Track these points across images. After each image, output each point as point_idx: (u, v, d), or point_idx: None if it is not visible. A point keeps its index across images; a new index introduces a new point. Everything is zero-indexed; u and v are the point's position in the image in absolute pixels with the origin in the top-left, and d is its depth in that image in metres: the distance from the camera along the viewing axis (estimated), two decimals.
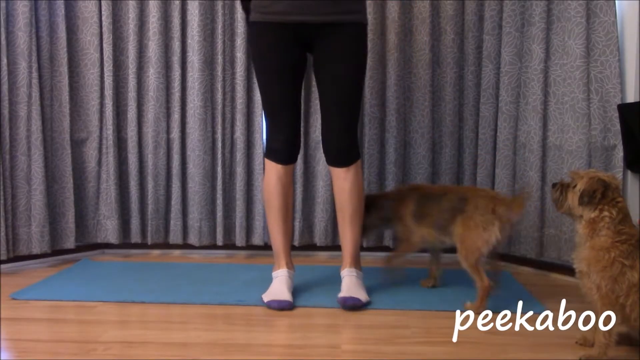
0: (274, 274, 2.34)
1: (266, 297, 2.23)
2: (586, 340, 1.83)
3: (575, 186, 1.74)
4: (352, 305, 2.18)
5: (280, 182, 2.30)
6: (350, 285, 2.26)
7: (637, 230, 1.70)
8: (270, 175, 2.32)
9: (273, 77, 2.26)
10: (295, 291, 2.32)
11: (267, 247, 3.00)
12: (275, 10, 2.19)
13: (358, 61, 2.26)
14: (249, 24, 2.31)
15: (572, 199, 1.74)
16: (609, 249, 1.66)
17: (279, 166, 2.30)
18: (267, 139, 2.35)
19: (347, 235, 2.33)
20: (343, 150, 2.27)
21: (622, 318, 1.69)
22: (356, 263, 2.36)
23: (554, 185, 1.81)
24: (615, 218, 1.68)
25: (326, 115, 2.28)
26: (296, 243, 2.94)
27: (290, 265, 2.35)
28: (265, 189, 2.36)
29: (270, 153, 2.32)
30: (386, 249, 2.97)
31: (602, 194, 1.69)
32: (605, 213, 1.69)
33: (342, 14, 2.19)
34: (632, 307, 1.66)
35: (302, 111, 2.45)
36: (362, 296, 2.22)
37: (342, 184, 2.29)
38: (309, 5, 2.16)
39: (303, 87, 2.42)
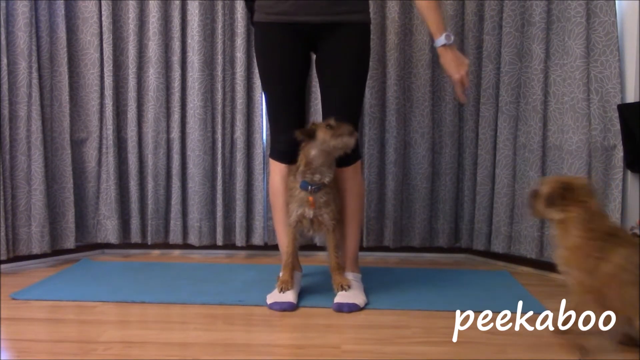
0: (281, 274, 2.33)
1: (269, 298, 2.22)
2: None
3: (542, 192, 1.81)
4: (348, 312, 2.14)
5: (284, 182, 2.29)
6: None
7: (609, 226, 1.75)
8: (275, 176, 2.32)
9: (276, 78, 2.26)
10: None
11: (267, 247, 3.01)
12: (279, 10, 2.18)
13: (361, 62, 2.25)
14: (253, 24, 2.31)
15: (540, 203, 1.81)
16: (581, 247, 1.72)
17: (283, 166, 2.29)
18: (270, 138, 2.34)
19: (345, 237, 2.32)
20: None
21: (605, 306, 1.73)
22: (354, 266, 2.35)
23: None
24: (583, 217, 1.73)
25: (328, 115, 2.27)
26: None
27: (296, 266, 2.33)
28: (270, 189, 2.36)
29: (274, 152, 2.32)
30: (386, 248, 2.97)
31: (561, 196, 1.75)
32: (573, 214, 1.74)
33: (346, 13, 2.19)
34: (612, 295, 1.69)
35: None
36: (360, 300, 2.20)
37: (340, 184, 2.29)
38: (312, 5, 2.15)
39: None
